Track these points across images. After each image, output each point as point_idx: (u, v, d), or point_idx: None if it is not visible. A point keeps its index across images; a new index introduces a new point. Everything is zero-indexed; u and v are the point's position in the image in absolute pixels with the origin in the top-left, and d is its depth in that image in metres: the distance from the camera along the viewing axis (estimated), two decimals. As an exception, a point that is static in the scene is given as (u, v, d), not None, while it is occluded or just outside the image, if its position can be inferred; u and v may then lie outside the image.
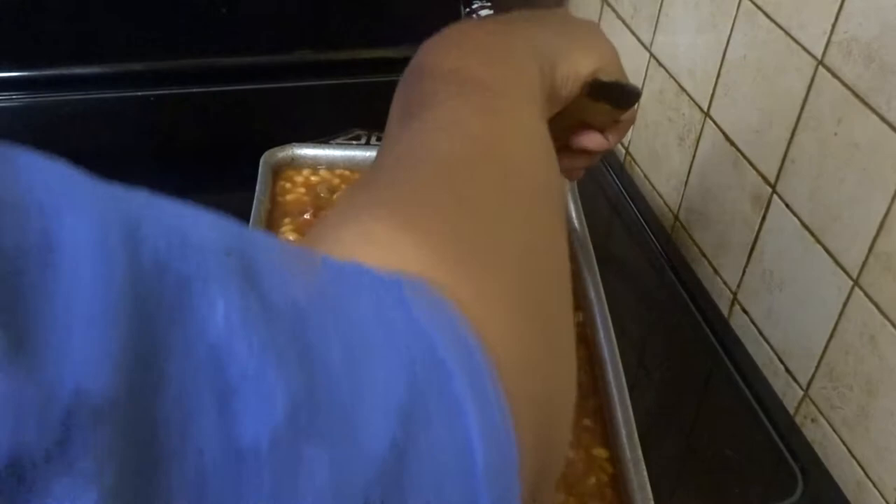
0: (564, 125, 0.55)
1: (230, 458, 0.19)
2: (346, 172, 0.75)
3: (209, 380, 0.19)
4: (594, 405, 0.61)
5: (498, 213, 0.34)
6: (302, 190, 0.73)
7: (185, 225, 0.22)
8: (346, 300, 0.24)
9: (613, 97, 0.54)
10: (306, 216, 0.70)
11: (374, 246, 0.29)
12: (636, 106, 0.57)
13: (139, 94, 0.94)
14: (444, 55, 0.46)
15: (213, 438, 0.19)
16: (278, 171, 0.75)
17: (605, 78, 0.52)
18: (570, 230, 0.72)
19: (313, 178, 0.75)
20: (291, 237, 0.69)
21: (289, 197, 0.73)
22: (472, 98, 0.40)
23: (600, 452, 0.58)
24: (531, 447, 0.28)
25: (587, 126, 0.56)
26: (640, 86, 0.89)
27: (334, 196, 0.72)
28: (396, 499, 0.22)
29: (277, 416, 0.20)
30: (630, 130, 0.60)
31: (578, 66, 0.51)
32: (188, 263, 0.20)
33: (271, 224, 0.70)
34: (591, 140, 0.57)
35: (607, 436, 0.59)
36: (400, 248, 0.29)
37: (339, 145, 0.77)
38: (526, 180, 0.38)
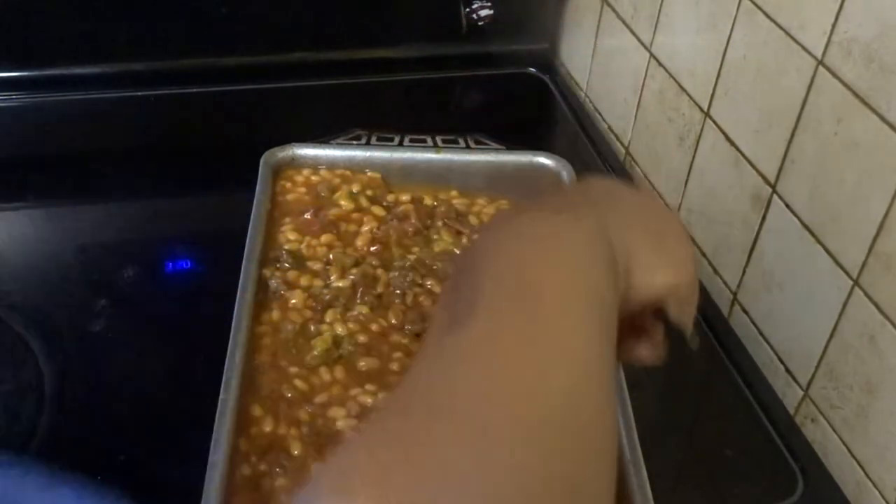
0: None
1: None
2: (347, 172, 0.75)
3: None
4: None
5: (526, 483, 0.31)
6: (302, 189, 0.74)
7: None
8: None
9: (668, 324, 0.49)
10: (307, 216, 0.70)
11: None
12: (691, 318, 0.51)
13: (139, 94, 0.94)
14: (500, 246, 0.42)
15: None
16: (278, 171, 0.75)
17: (672, 312, 0.48)
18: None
19: (314, 178, 0.75)
20: (291, 236, 0.69)
21: (289, 196, 0.73)
22: (522, 313, 0.37)
23: None
24: None
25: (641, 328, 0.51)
26: (639, 85, 0.90)
27: (334, 195, 0.72)
28: None
29: None
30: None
31: (657, 280, 0.46)
32: None
33: (271, 224, 0.70)
34: (648, 352, 0.51)
35: None
36: None
37: (340, 145, 0.77)
38: (568, 436, 0.34)
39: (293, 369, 0.58)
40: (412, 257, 0.67)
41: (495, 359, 0.35)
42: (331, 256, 0.67)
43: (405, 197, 0.73)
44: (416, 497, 0.30)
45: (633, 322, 0.50)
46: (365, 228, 0.69)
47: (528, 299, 0.37)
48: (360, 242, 0.68)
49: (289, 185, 0.74)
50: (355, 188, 0.73)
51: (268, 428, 0.54)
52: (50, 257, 0.77)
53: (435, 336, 0.38)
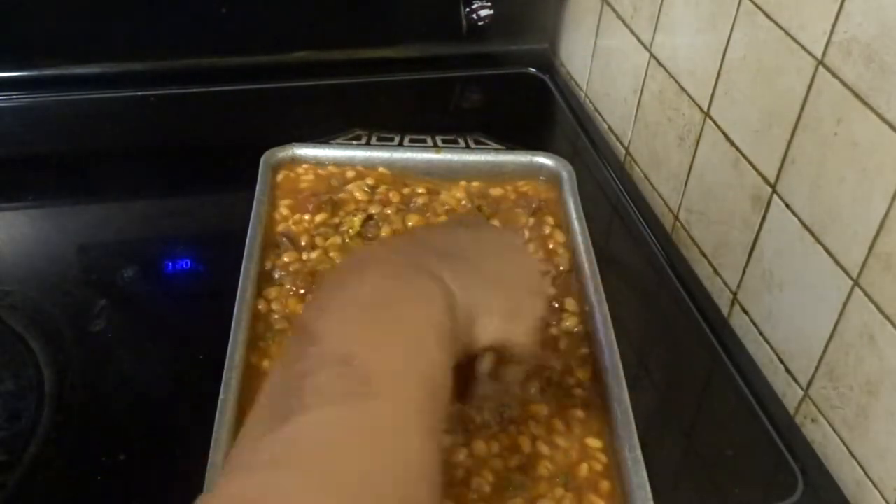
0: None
1: None
2: (360, 168, 0.75)
3: None
4: (585, 397, 0.61)
5: None
6: (311, 176, 0.74)
7: None
8: None
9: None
10: (306, 217, 0.71)
11: None
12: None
13: (139, 94, 0.94)
14: (332, 319, 0.42)
15: None
16: (278, 170, 0.75)
17: (481, 370, 0.49)
18: (571, 231, 0.72)
19: (321, 171, 0.75)
20: (284, 212, 0.69)
21: (302, 185, 0.74)
22: (352, 410, 0.37)
23: (593, 442, 0.58)
24: None
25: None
26: (639, 85, 0.90)
27: (347, 187, 0.72)
28: None
29: None
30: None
31: (494, 335, 0.47)
32: None
33: (270, 223, 0.70)
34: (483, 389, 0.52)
35: (602, 428, 0.59)
36: None
37: (340, 145, 0.77)
38: None
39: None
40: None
41: (322, 460, 0.36)
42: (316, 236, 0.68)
43: (421, 189, 0.74)
44: None
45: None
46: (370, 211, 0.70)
47: (358, 400, 0.38)
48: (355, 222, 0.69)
49: (300, 170, 0.74)
50: (370, 181, 0.73)
51: None
52: (50, 257, 0.77)
53: (265, 416, 0.38)
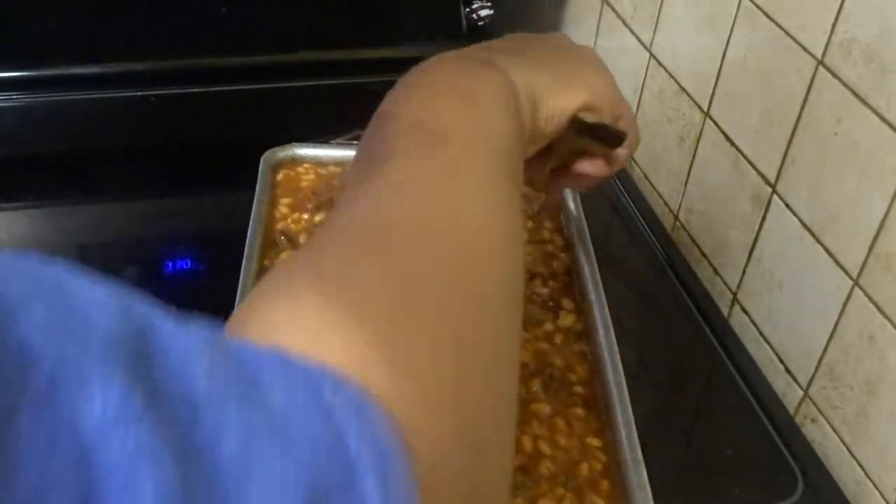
0: (563, 150, 0.55)
1: None
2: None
3: (74, 483, 0.19)
4: (586, 395, 0.61)
5: (443, 301, 0.33)
6: (312, 176, 0.74)
7: (75, 304, 0.21)
8: (257, 390, 0.24)
9: (598, 136, 0.53)
10: (304, 216, 0.70)
11: (303, 333, 0.28)
12: (634, 135, 0.56)
13: (139, 94, 0.94)
14: (409, 100, 0.45)
15: None
16: (279, 170, 0.75)
17: (588, 118, 0.51)
18: (571, 230, 0.72)
19: (322, 171, 0.75)
20: (284, 210, 0.69)
21: (302, 184, 0.73)
22: (432, 158, 0.40)
23: (593, 441, 0.58)
24: None
25: (586, 152, 0.56)
26: (639, 85, 0.90)
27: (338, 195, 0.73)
28: None
29: None
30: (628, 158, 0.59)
31: (564, 102, 0.50)
32: (67, 348, 0.20)
33: (270, 222, 0.70)
34: (590, 166, 0.56)
35: (602, 427, 0.59)
36: (329, 339, 0.28)
37: (340, 145, 0.77)
38: (481, 262, 0.36)
39: None
40: None
41: (410, 194, 0.37)
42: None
43: None
44: (361, 300, 0.30)
45: (572, 153, 0.55)
46: None
47: (437, 147, 0.40)
48: None
49: (301, 170, 0.74)
50: None
51: None
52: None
53: (353, 182, 0.40)
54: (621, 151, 0.56)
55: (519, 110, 0.47)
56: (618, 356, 0.61)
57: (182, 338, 0.24)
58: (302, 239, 0.68)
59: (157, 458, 0.20)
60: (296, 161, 0.75)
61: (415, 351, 0.30)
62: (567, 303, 0.67)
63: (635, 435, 0.57)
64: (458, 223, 0.37)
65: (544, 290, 0.67)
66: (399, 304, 0.31)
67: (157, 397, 0.21)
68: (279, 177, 0.74)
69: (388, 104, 0.46)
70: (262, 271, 0.66)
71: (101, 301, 0.22)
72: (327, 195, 0.72)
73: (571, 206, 0.74)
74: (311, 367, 0.25)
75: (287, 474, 0.22)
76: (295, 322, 0.29)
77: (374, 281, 0.32)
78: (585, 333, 0.65)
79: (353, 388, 0.26)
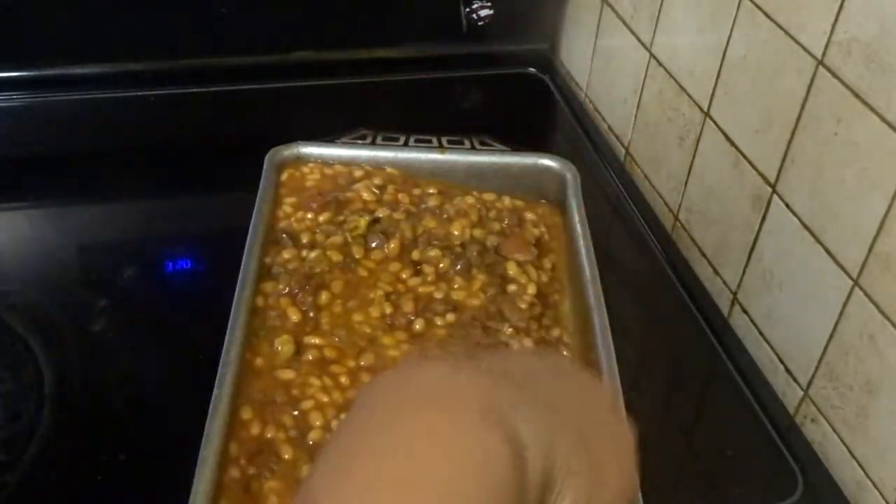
0: None
1: None
2: (367, 167, 0.75)
3: None
4: None
5: None
6: (317, 176, 0.74)
7: None
8: None
9: None
10: (308, 215, 0.70)
11: None
12: None
13: (139, 94, 0.94)
14: (349, 491, 0.30)
15: None
16: (283, 169, 0.75)
17: None
18: (572, 229, 0.72)
19: (327, 171, 0.75)
20: (288, 210, 0.69)
21: (307, 183, 0.73)
22: None
23: None
24: None
25: None
26: (639, 85, 0.90)
27: (354, 186, 0.72)
28: None
29: None
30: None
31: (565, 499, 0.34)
32: None
33: (273, 221, 0.70)
34: None
35: None
36: None
37: (345, 144, 0.77)
38: None
39: (284, 373, 0.58)
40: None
41: None
42: (316, 233, 0.67)
43: (432, 189, 0.73)
44: None
45: None
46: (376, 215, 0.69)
47: None
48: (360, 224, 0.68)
49: (306, 169, 0.74)
50: (377, 181, 0.73)
51: (255, 431, 0.54)
52: (50, 257, 0.77)
53: None
54: None
55: (521, 495, 0.32)
56: (614, 360, 0.61)
57: None
58: (304, 238, 0.68)
59: None
60: (300, 160, 0.75)
61: None
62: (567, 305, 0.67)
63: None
64: None
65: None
66: None
67: None
68: (283, 176, 0.74)
69: (318, 488, 0.31)
70: (263, 267, 0.65)
71: None
72: (332, 194, 0.71)
73: (573, 204, 0.74)
74: None
75: None
76: None
77: None
78: (585, 336, 0.65)
79: None
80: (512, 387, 0.34)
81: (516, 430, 0.32)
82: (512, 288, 0.65)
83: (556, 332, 0.64)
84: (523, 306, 0.64)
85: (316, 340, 0.60)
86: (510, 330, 0.62)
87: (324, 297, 0.63)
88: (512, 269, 0.66)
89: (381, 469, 0.30)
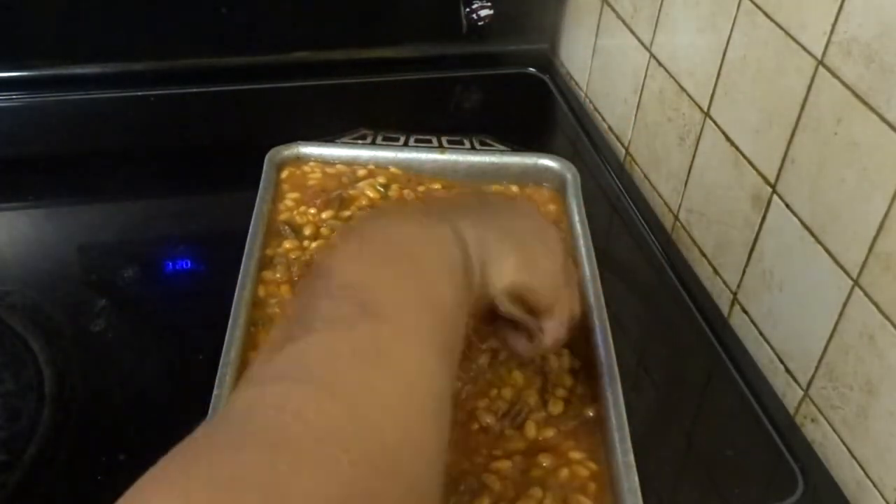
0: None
1: None
2: (371, 166, 0.75)
3: None
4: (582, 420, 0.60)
5: None
6: (319, 174, 0.74)
7: None
8: None
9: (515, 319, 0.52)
10: (311, 210, 0.70)
11: None
12: (557, 327, 0.53)
13: (139, 94, 0.94)
14: (348, 256, 0.43)
15: None
16: (283, 169, 0.75)
17: (502, 309, 0.50)
18: (572, 229, 0.72)
19: (329, 170, 0.75)
20: (290, 203, 0.69)
21: (310, 182, 0.73)
22: (353, 332, 0.38)
23: (575, 455, 0.58)
24: None
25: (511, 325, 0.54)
26: (639, 85, 0.90)
27: (358, 184, 0.72)
28: None
29: None
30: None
31: (504, 274, 0.48)
32: None
33: (273, 218, 0.70)
34: (513, 340, 0.55)
35: (592, 443, 0.58)
36: None
37: (345, 144, 0.77)
38: (385, 460, 0.34)
39: None
40: None
41: (328, 372, 0.36)
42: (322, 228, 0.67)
43: (437, 186, 0.74)
44: None
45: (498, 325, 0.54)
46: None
47: (365, 322, 0.38)
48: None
49: (307, 168, 0.74)
50: (381, 180, 0.73)
51: None
52: (50, 257, 0.77)
53: (278, 337, 0.39)
54: (544, 339, 0.53)
55: (468, 270, 0.46)
56: (614, 358, 0.61)
57: None
58: (307, 231, 0.68)
59: None
60: (300, 159, 0.75)
61: None
62: None
63: (628, 440, 0.56)
64: (361, 415, 0.35)
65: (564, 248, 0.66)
66: None
67: None
68: (284, 175, 0.74)
69: (326, 255, 0.45)
70: (264, 258, 0.65)
71: None
72: (336, 192, 0.71)
73: (573, 204, 0.74)
74: None
75: None
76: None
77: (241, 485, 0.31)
78: (585, 338, 0.64)
79: None
80: (446, 203, 0.50)
81: (456, 225, 0.46)
82: None
83: None
84: None
85: None
86: None
87: None
88: None
89: (367, 236, 0.45)
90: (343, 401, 0.35)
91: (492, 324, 0.55)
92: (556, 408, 0.59)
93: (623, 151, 0.94)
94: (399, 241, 0.45)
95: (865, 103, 0.60)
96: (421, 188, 0.73)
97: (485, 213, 0.50)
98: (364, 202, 0.71)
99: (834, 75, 0.63)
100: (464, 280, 0.45)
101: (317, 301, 0.40)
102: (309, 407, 0.34)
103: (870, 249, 0.61)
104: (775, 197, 0.70)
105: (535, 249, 0.51)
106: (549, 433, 0.58)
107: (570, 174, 0.77)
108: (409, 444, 0.36)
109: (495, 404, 0.59)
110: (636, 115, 0.91)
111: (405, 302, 0.41)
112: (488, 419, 0.58)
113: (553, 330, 0.53)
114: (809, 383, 0.68)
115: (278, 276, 0.64)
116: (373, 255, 0.43)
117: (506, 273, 0.48)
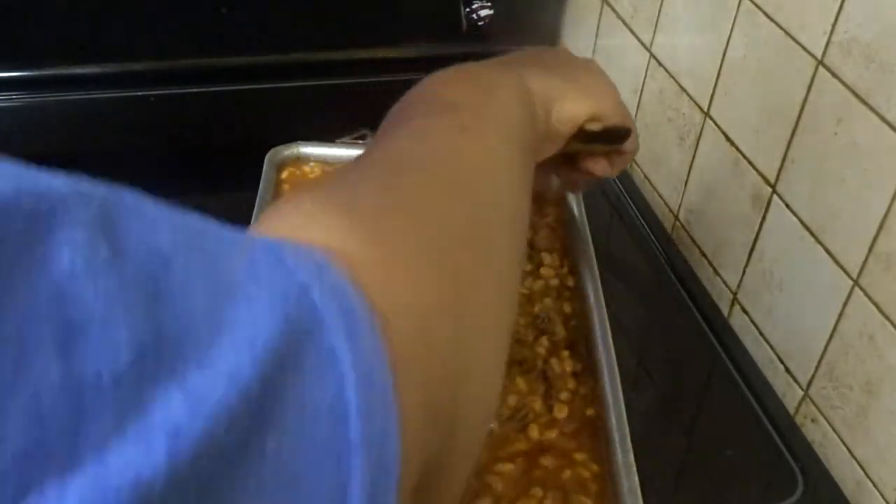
0: (571, 151, 0.58)
1: (69, 395, 0.19)
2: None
3: (50, 320, 0.19)
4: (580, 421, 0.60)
5: (436, 211, 0.36)
6: (319, 173, 0.74)
7: (40, 176, 0.21)
8: (220, 253, 0.24)
9: (603, 139, 0.58)
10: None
11: (295, 218, 0.32)
12: (634, 140, 0.60)
13: (139, 94, 0.94)
14: (431, 83, 0.49)
15: (51, 374, 0.19)
16: (283, 169, 0.75)
17: (593, 127, 0.56)
18: (572, 229, 0.72)
19: (328, 169, 0.75)
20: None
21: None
22: (446, 116, 0.43)
23: (577, 456, 0.58)
24: (421, 404, 0.28)
25: (592, 154, 0.60)
26: (639, 85, 0.90)
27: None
28: (258, 432, 0.22)
29: (121, 359, 0.20)
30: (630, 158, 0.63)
31: (576, 109, 0.54)
32: (39, 205, 0.20)
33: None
34: (596, 165, 0.60)
35: (595, 444, 0.58)
36: (315, 223, 0.31)
37: (345, 144, 0.77)
38: (474, 192, 0.39)
39: None
40: None
41: (420, 136, 0.41)
42: None
43: None
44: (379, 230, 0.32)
45: (579, 157, 0.60)
46: None
47: (452, 111, 0.44)
48: None
49: (307, 168, 0.74)
50: None
51: None
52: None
53: (374, 139, 0.44)
54: (628, 148, 0.60)
55: (534, 113, 0.50)
56: (614, 359, 0.61)
57: (147, 202, 0.25)
58: None
59: (130, 307, 0.20)
60: (301, 159, 0.75)
61: (393, 228, 0.33)
62: (567, 306, 0.67)
63: (628, 440, 0.56)
64: (462, 165, 0.40)
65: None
66: (389, 203, 0.35)
67: (119, 253, 0.21)
68: (284, 175, 0.74)
69: (416, 87, 0.49)
70: None
71: (69, 179, 0.22)
72: None
73: (574, 205, 0.74)
74: (270, 238, 0.27)
75: (257, 324, 0.23)
76: (288, 213, 0.33)
77: (369, 187, 0.36)
78: (585, 339, 0.64)
79: (316, 253, 0.27)
80: (510, 62, 0.54)
81: (521, 73, 0.51)
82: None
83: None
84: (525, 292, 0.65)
85: None
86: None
87: None
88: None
89: (438, 78, 0.51)
90: (444, 152, 0.40)
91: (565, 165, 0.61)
92: (561, 413, 0.59)
93: (623, 151, 0.94)
94: (476, 77, 0.50)
95: (865, 103, 0.60)
96: None
97: (540, 64, 0.55)
98: None
99: (834, 75, 0.63)
100: (532, 117, 0.50)
101: (408, 108, 0.46)
102: (414, 151, 0.40)
103: (870, 249, 0.61)
104: (775, 197, 0.70)
105: (593, 82, 0.57)
106: (552, 434, 0.58)
107: (570, 174, 0.76)
108: (499, 196, 0.41)
109: (500, 410, 0.59)
110: (636, 115, 0.91)
111: (486, 112, 0.45)
112: (493, 425, 0.58)
113: (633, 140, 0.59)
114: (809, 383, 0.68)
115: None
116: (454, 80, 0.49)
117: (575, 107, 0.54)
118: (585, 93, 0.55)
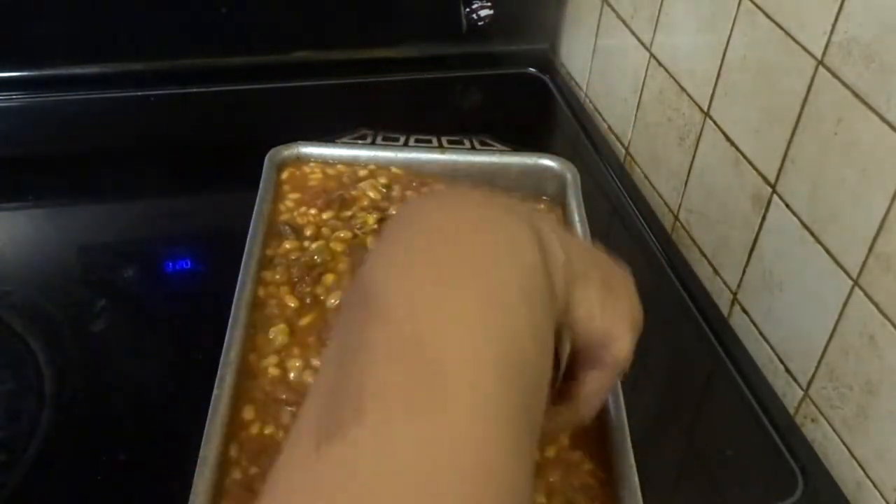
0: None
1: None
2: (372, 166, 0.75)
3: None
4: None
5: None
6: (319, 175, 0.74)
7: None
8: None
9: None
10: (312, 211, 0.70)
11: None
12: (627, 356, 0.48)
13: (139, 94, 0.94)
14: (396, 275, 0.34)
15: None
16: (283, 169, 0.75)
17: (598, 373, 0.45)
18: (572, 230, 0.72)
19: (329, 171, 0.75)
20: (290, 204, 0.69)
21: (311, 183, 0.73)
22: (420, 430, 0.29)
23: (577, 457, 0.58)
24: None
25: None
26: (639, 85, 0.90)
27: (360, 185, 0.72)
28: None
29: None
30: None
31: (628, 349, 0.42)
32: None
33: (274, 219, 0.70)
34: (596, 384, 0.46)
35: (593, 447, 0.58)
36: None
37: (345, 144, 0.77)
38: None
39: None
40: None
41: (384, 491, 0.28)
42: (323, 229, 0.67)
43: (440, 186, 0.73)
44: None
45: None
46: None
47: (429, 396, 0.30)
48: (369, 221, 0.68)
49: (307, 169, 0.74)
50: (383, 180, 0.73)
51: (255, 430, 0.54)
52: (50, 257, 0.77)
53: (307, 442, 0.30)
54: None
55: (550, 279, 0.37)
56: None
57: None
58: (307, 231, 0.68)
59: None
60: (301, 159, 0.75)
61: None
62: None
63: (628, 440, 0.56)
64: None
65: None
66: None
67: None
68: (284, 175, 0.74)
69: (369, 268, 0.35)
70: (263, 260, 0.65)
71: None
72: (338, 192, 0.71)
73: (574, 205, 0.74)
74: None
75: None
76: None
77: None
78: None
79: None
80: (527, 209, 0.40)
81: (538, 225, 0.38)
82: None
83: None
84: None
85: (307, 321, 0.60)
86: None
87: (330, 279, 0.63)
88: None
89: (423, 237, 0.36)
90: None
91: None
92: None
93: (623, 151, 0.94)
94: (462, 244, 0.35)
95: (865, 103, 0.60)
96: (425, 189, 0.73)
97: (570, 249, 0.40)
98: (366, 203, 0.70)
99: (834, 75, 0.63)
100: (545, 294, 0.36)
101: (369, 363, 0.31)
102: None
103: (870, 249, 0.61)
104: (775, 197, 0.70)
105: (616, 285, 0.43)
106: (551, 453, 0.58)
107: (570, 174, 0.77)
108: None
109: None
110: (636, 115, 0.91)
111: (477, 361, 0.32)
112: None
113: (627, 347, 0.45)
114: (809, 383, 0.68)
115: (278, 276, 0.64)
116: (429, 270, 0.34)
117: (588, 302, 0.40)
118: (615, 308, 0.42)
